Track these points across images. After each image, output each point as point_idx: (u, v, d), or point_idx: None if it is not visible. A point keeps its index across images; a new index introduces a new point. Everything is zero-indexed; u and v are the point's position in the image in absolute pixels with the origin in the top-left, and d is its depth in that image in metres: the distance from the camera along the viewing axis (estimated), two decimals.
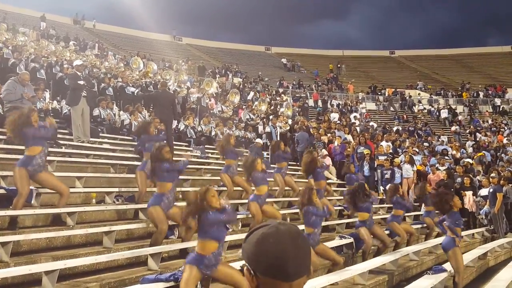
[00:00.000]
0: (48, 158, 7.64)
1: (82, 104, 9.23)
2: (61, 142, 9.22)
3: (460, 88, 35.36)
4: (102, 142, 10.44)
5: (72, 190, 7.07)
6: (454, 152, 16.54)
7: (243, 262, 1.11)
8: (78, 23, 37.59)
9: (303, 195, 5.98)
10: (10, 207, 5.73)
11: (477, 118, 27.71)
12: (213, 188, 4.58)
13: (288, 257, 1.04)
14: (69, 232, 5.59)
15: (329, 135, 15.39)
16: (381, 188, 12.69)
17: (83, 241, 5.83)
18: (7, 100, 8.41)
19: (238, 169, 8.45)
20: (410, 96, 32.26)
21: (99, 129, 10.93)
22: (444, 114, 28.61)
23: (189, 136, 12.84)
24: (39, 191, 6.03)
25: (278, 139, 12.68)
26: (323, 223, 8.73)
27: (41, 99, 10.28)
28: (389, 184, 10.72)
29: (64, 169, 7.76)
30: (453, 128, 23.92)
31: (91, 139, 9.78)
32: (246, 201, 7.68)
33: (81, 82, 9.27)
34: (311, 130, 15.21)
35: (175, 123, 12.03)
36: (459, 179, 12.98)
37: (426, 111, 30.48)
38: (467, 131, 23.49)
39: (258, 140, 13.97)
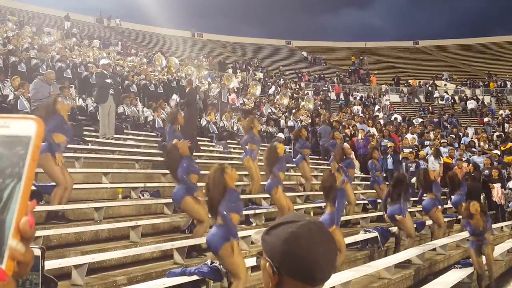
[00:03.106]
0: (75, 154, 7.85)
1: (109, 102, 9.50)
2: (87, 139, 9.42)
3: (486, 78, 34.44)
4: (127, 138, 10.61)
5: (98, 186, 7.24)
6: (482, 143, 16.16)
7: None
8: (101, 22, 38.15)
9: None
10: (40, 202, 5.90)
11: (492, 107, 27.12)
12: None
13: (319, 262, 1.00)
14: (97, 227, 5.70)
15: (350, 128, 15.22)
16: None
17: (110, 235, 5.95)
18: (34, 99, 8.65)
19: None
20: (425, 84, 31.76)
21: (124, 126, 11.11)
22: (471, 105, 27.96)
23: (211, 131, 12.92)
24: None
25: None
26: (347, 218, 8.71)
27: (67, 97, 10.51)
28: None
29: (90, 165, 7.93)
30: (485, 119, 23.36)
31: (116, 135, 9.98)
32: (268, 195, 7.68)
33: (108, 81, 9.55)
34: (333, 123, 15.07)
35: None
36: (486, 171, 12.67)
37: (440, 98, 29.98)
38: (495, 122, 22.90)
39: (279, 134, 13.94)
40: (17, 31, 16.72)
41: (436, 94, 30.55)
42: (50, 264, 4.34)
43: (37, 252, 0.83)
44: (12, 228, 0.52)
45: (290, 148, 12.58)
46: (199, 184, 5.86)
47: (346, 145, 13.54)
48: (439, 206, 8.36)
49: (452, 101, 28.90)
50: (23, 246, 0.53)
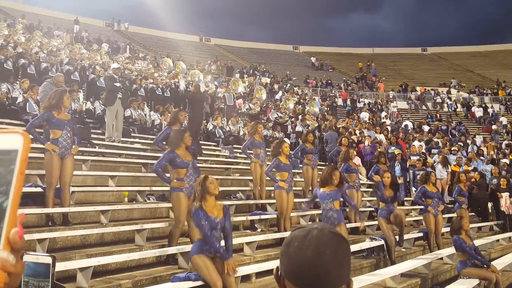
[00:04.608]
0: (82, 157, 7.88)
1: (117, 105, 9.54)
2: (95, 142, 9.47)
3: (496, 86, 34.24)
4: (134, 142, 10.65)
5: (105, 188, 7.26)
6: (491, 152, 16.03)
7: (276, 262, 1.08)
8: (112, 26, 38.45)
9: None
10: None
11: (496, 111, 27.05)
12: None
13: (306, 265, 0.95)
14: (102, 230, 5.71)
15: (357, 134, 15.18)
16: (413, 189, 12.42)
17: (116, 239, 5.95)
18: (43, 101, 8.70)
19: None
20: (434, 92, 31.74)
21: (131, 129, 11.16)
22: (479, 113, 27.81)
23: (217, 136, 12.94)
24: (73, 189, 6.20)
25: None
26: (354, 225, 8.65)
27: (75, 100, 10.60)
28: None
29: (97, 168, 7.96)
30: (494, 127, 23.21)
31: (123, 139, 10.02)
32: (274, 201, 7.67)
33: (118, 84, 9.62)
34: (340, 129, 15.03)
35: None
36: (495, 180, 12.55)
37: (441, 102, 29.93)
38: (504, 131, 22.74)
39: (286, 140, 13.91)
40: (27, 36, 16.88)
41: (438, 100, 30.50)
42: (56, 267, 4.33)
43: (48, 260, 0.83)
44: (2, 239, 0.53)
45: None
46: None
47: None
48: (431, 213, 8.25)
49: (455, 107, 28.82)
50: (14, 257, 0.53)
